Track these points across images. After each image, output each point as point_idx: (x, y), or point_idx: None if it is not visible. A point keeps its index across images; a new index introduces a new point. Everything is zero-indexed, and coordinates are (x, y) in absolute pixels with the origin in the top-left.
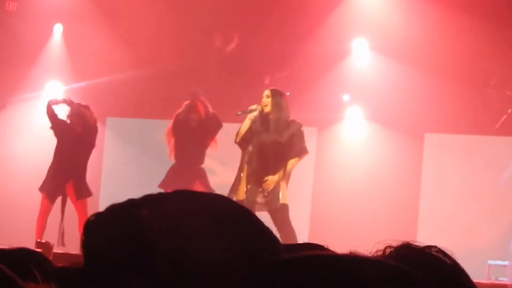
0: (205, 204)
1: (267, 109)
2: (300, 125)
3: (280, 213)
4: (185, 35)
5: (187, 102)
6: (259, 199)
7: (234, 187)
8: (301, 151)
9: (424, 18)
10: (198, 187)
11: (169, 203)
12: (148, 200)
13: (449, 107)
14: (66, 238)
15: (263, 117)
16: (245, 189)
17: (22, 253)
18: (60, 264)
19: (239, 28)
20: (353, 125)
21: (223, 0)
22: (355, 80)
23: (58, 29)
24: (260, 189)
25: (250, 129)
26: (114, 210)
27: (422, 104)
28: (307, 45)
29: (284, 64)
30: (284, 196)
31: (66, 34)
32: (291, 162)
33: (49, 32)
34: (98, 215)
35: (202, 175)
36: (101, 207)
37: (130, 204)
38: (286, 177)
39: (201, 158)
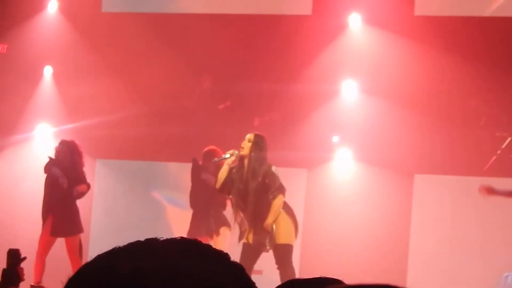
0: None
1: (243, 152)
2: (270, 166)
3: (282, 252)
4: (175, 76)
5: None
6: (261, 240)
7: (242, 233)
8: (279, 189)
9: (414, 58)
10: None
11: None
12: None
13: (439, 148)
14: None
15: (239, 162)
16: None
17: None
18: None
19: (229, 68)
20: (343, 165)
21: (213, 41)
22: (345, 120)
23: (48, 71)
24: (262, 232)
25: (229, 175)
26: (92, 268)
27: (411, 145)
28: (296, 85)
29: (273, 104)
30: (286, 236)
31: (56, 76)
32: (275, 203)
33: (39, 74)
34: (78, 273)
35: None
36: (91, 248)
37: (111, 259)
38: (275, 217)
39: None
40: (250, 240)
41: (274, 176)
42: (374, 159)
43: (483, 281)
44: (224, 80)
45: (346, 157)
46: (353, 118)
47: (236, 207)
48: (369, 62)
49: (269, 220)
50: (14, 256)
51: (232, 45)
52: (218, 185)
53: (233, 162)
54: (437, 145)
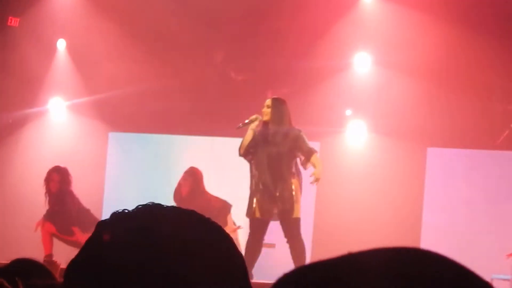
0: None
1: (265, 118)
2: (299, 131)
3: (292, 225)
4: (188, 50)
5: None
6: (274, 209)
7: (250, 204)
8: (312, 149)
9: (426, 32)
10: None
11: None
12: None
13: (452, 122)
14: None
15: (263, 127)
16: (255, 200)
17: (25, 265)
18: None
19: (241, 43)
20: (356, 139)
21: (224, 16)
22: (358, 94)
23: (61, 44)
24: (274, 200)
25: (253, 139)
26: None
27: (424, 118)
28: (309, 59)
29: (285, 79)
30: (297, 210)
31: (69, 49)
32: (316, 157)
33: (52, 47)
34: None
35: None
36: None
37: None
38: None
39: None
40: (258, 214)
41: (304, 139)
42: (387, 133)
43: (495, 254)
44: (236, 55)
45: (359, 131)
46: (366, 91)
47: (257, 178)
48: (382, 35)
49: (319, 169)
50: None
51: (244, 19)
52: (242, 151)
53: (256, 127)
54: (450, 119)
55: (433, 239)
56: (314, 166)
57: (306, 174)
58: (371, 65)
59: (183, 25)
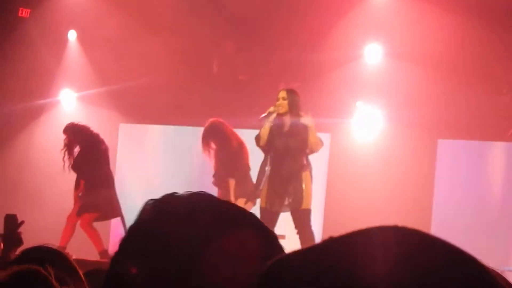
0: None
1: (282, 110)
2: (310, 118)
3: (302, 216)
4: (199, 42)
5: None
6: (285, 201)
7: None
8: (318, 142)
9: (438, 23)
10: None
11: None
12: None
13: (462, 113)
14: (81, 245)
15: (279, 120)
16: (266, 193)
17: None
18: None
19: (251, 34)
20: (366, 130)
21: (235, 7)
22: (368, 85)
23: (72, 35)
24: (286, 191)
25: (271, 131)
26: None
27: (435, 110)
28: (320, 50)
29: (296, 70)
30: (308, 201)
31: (80, 40)
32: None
33: (62, 39)
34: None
35: None
36: None
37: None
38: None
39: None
40: (269, 205)
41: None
42: (397, 124)
43: (505, 245)
44: (248, 47)
45: (369, 122)
46: (377, 83)
47: (272, 170)
48: (393, 26)
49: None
50: (12, 221)
51: (256, 12)
52: (261, 142)
53: (274, 119)
54: (460, 111)
55: (443, 230)
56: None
57: (318, 163)
58: (382, 57)
59: (195, 17)
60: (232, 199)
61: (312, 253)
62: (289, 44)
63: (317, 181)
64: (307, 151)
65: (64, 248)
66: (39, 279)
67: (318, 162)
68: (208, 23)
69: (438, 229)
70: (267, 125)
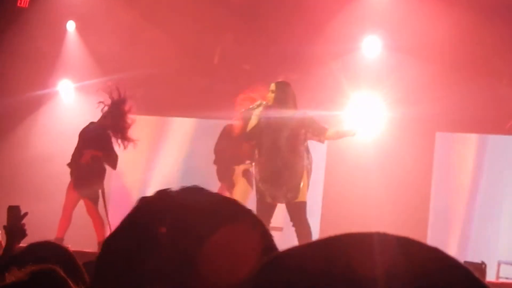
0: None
1: (270, 103)
2: (305, 112)
3: (297, 208)
4: (197, 33)
5: None
6: (280, 193)
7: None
8: (322, 129)
9: (438, 15)
10: None
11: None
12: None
13: (460, 106)
14: (78, 237)
15: (267, 112)
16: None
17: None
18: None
19: (250, 27)
20: (364, 123)
21: (233, 0)
22: (366, 78)
23: (71, 26)
24: (280, 183)
25: (257, 125)
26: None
27: (433, 103)
28: (317, 44)
29: (294, 63)
30: (303, 194)
31: (78, 31)
32: (329, 134)
33: (61, 29)
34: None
35: None
36: (112, 204)
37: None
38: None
39: None
40: (267, 197)
41: (313, 119)
42: (395, 117)
43: (504, 237)
44: (246, 39)
45: (367, 115)
46: (375, 75)
47: (263, 163)
48: (392, 18)
49: (341, 136)
50: (16, 213)
51: (254, 2)
52: (244, 136)
53: (261, 112)
54: (458, 103)
55: (440, 224)
56: (334, 138)
57: (315, 156)
58: (380, 49)
59: (195, 8)
60: (234, 194)
61: (309, 250)
62: (288, 37)
63: (315, 173)
64: (315, 140)
65: (62, 239)
66: (58, 280)
67: (315, 154)
68: (208, 15)
69: (436, 221)
70: (253, 118)
